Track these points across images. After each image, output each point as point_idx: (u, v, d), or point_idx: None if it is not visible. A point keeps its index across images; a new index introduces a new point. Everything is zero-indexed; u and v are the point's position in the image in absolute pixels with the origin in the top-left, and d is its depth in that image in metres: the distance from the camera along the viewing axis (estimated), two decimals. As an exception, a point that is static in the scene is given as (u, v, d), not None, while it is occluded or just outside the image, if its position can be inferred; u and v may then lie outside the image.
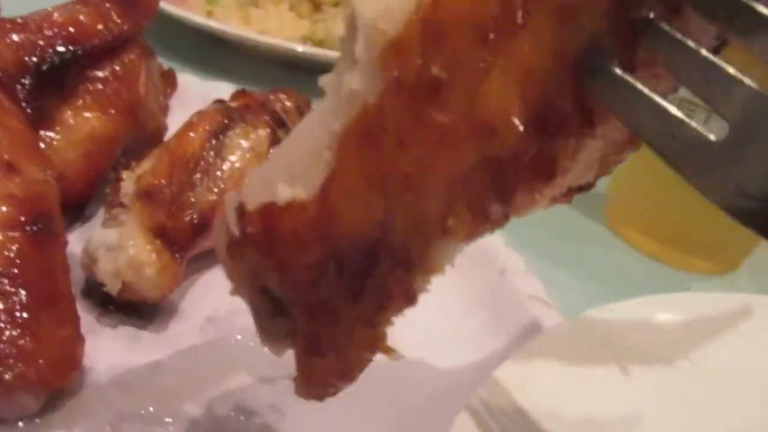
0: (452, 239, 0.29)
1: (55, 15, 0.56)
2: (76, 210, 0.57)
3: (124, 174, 0.53)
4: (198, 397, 0.45)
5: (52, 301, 0.42)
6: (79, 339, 0.43)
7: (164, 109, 0.69)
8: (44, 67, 0.54)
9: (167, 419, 0.43)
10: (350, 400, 0.47)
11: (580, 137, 0.29)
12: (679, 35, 0.26)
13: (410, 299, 0.33)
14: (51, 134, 0.55)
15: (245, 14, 1.03)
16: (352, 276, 0.30)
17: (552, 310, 0.53)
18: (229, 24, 0.99)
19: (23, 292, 0.41)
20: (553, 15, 0.25)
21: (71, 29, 0.56)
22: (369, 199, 0.28)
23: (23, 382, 0.39)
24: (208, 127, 0.54)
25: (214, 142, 0.53)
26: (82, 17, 0.57)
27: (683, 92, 0.65)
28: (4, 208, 0.43)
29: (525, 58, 0.26)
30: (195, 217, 0.51)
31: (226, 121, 0.55)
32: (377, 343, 0.35)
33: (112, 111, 0.58)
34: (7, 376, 0.39)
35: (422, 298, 0.56)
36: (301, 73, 0.99)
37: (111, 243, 0.48)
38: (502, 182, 0.28)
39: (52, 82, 0.55)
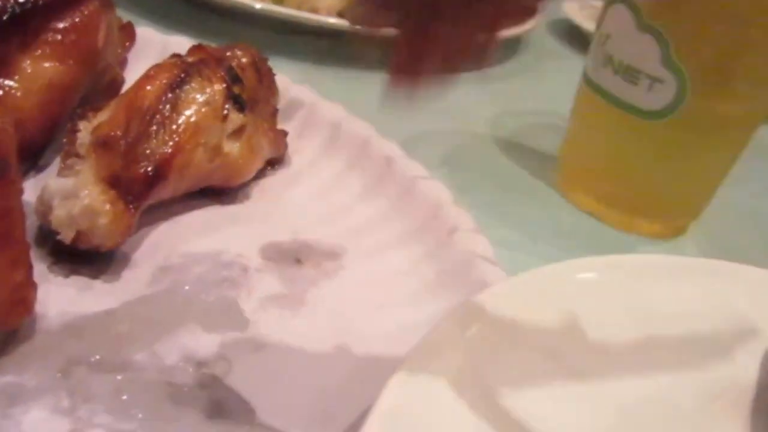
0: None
1: (15, -35, 0.56)
2: (31, 158, 0.58)
3: (81, 125, 0.53)
4: (147, 345, 0.46)
5: (7, 245, 0.43)
6: (32, 284, 0.44)
7: (122, 62, 0.70)
8: (5, 17, 0.54)
9: (118, 366, 0.44)
10: (297, 353, 0.48)
11: None
12: None
13: None
14: (9, 83, 0.55)
15: (205, -31, 1.03)
16: None
17: (498, 269, 0.55)
18: (189, -22, 0.99)
19: (-22, 236, 0.42)
20: None
21: (31, -21, 0.56)
22: None
23: (-23, 324, 0.40)
24: (164, 81, 0.54)
25: (170, 95, 0.54)
26: (41, -33, 0.57)
27: (628, 60, 0.67)
28: (-40, 155, 0.43)
29: None
30: (150, 168, 0.52)
31: (182, 75, 0.55)
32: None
33: (70, 61, 0.58)
34: (-41, 318, 0.40)
35: (370, 255, 0.58)
36: (259, 29, 0.99)
37: (66, 192, 0.49)
38: None
39: (12, 32, 0.55)
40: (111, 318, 0.47)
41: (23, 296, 0.43)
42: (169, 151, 0.53)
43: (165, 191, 0.54)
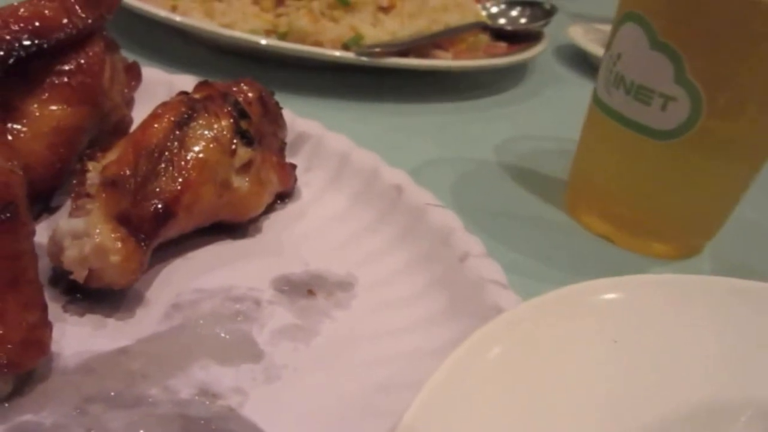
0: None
1: (21, 10, 0.57)
2: (42, 201, 0.58)
3: (90, 165, 0.54)
4: (163, 380, 0.46)
5: (20, 287, 0.43)
6: (46, 324, 0.44)
7: (129, 102, 0.70)
8: (10, 61, 0.54)
9: (133, 402, 0.44)
10: (312, 382, 0.48)
11: None
12: None
13: None
14: (17, 126, 0.56)
15: (209, 8, 1.04)
16: None
17: (511, 294, 0.54)
18: (193, 17, 1.00)
19: (-9, 279, 0.42)
20: None
21: (37, 23, 0.57)
22: None
23: (-8, 365, 0.40)
24: (171, 118, 0.55)
25: (177, 132, 0.54)
26: (47, 11, 0.58)
27: (640, 80, 0.67)
28: (-29, 198, 0.44)
29: None
30: (159, 206, 0.52)
31: (189, 112, 0.56)
32: None
33: (77, 103, 0.59)
34: (-24, 360, 0.40)
35: (382, 284, 0.58)
36: (264, 65, 1.00)
37: (77, 231, 0.49)
38: None
39: (18, 75, 0.55)
40: (125, 355, 0.47)
41: (38, 337, 0.43)
42: (178, 188, 0.53)
43: (175, 228, 0.55)
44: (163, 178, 0.53)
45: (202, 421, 0.44)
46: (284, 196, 0.67)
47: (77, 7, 0.60)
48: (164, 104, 0.57)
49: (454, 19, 1.17)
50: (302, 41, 1.00)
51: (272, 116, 0.65)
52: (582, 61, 1.38)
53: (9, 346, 0.41)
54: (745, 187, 0.73)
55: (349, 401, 0.47)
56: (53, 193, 0.59)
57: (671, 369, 0.47)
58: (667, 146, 0.68)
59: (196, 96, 0.59)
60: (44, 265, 0.51)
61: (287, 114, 0.71)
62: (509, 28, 1.27)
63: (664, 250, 0.76)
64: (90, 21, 0.60)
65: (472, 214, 0.75)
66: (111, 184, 0.51)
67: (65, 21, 0.58)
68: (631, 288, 0.51)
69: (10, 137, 0.54)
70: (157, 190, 0.52)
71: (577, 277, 0.50)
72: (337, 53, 0.98)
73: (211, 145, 0.56)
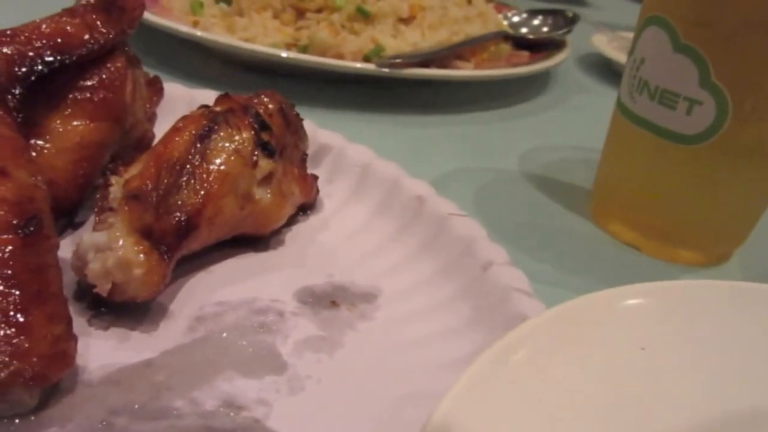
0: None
1: (43, 26, 0.57)
2: (66, 216, 0.59)
3: (113, 179, 0.54)
4: (187, 392, 0.46)
5: (45, 300, 0.43)
6: (71, 337, 0.44)
7: (151, 117, 0.71)
8: (33, 77, 0.55)
9: (158, 414, 0.44)
10: (336, 393, 0.48)
11: None
12: None
13: None
14: (41, 142, 0.56)
15: (230, 23, 1.05)
16: None
17: (536, 302, 0.54)
18: (214, 32, 1.01)
19: (17, 292, 0.42)
20: None
21: (59, 40, 0.57)
22: None
23: (18, 379, 0.40)
24: (193, 131, 0.55)
25: (199, 145, 0.55)
26: (69, 28, 0.58)
27: (664, 84, 0.66)
28: (-4, 212, 0.44)
29: None
30: (182, 218, 0.52)
31: (210, 125, 0.56)
32: None
33: (100, 119, 0.59)
34: (2, 374, 0.40)
35: (405, 294, 0.58)
36: (286, 79, 1.00)
37: (100, 245, 0.49)
38: None
39: (41, 91, 0.56)
40: (150, 368, 0.47)
41: (63, 349, 0.43)
42: (200, 200, 0.53)
43: (198, 240, 0.55)
44: (185, 191, 0.53)
45: (227, 433, 0.44)
46: (306, 207, 0.67)
47: (99, 23, 0.60)
48: (185, 117, 0.57)
49: (475, 29, 1.17)
50: (323, 54, 1.00)
51: (293, 127, 0.65)
52: (606, 70, 1.37)
53: (34, 359, 0.41)
54: (775, 191, 0.72)
55: (373, 412, 0.47)
56: (77, 208, 0.59)
57: (701, 376, 0.46)
58: (693, 151, 0.67)
59: (217, 109, 0.59)
60: (69, 280, 0.51)
61: (309, 126, 0.71)
62: (531, 36, 1.27)
63: (692, 258, 0.75)
64: (111, 36, 0.61)
65: (495, 224, 0.74)
66: (133, 197, 0.51)
67: (87, 37, 0.59)
68: (658, 294, 0.50)
69: (33, 153, 0.55)
70: (179, 203, 0.52)
71: (603, 286, 0.50)
72: (358, 65, 0.98)
73: (233, 158, 0.56)
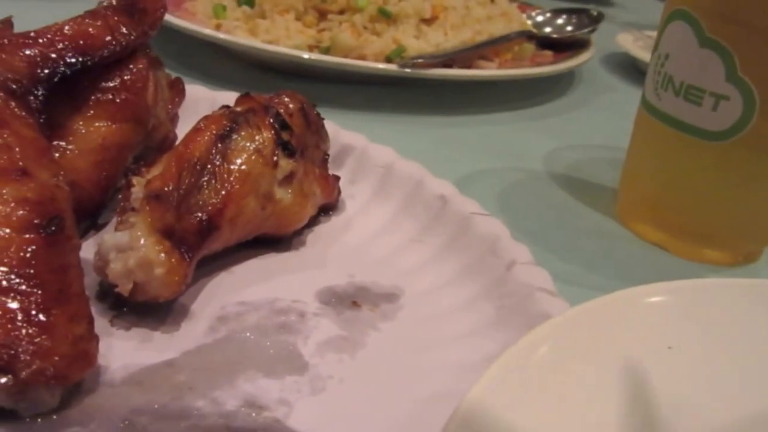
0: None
1: (66, 28, 0.58)
2: (89, 218, 0.59)
3: (135, 180, 0.54)
4: (209, 392, 0.46)
5: (67, 300, 0.43)
6: (93, 337, 0.44)
7: (173, 118, 0.71)
8: (56, 79, 0.55)
9: (179, 414, 0.44)
10: (358, 393, 0.48)
11: None
12: None
13: None
14: (63, 144, 0.56)
15: (252, 25, 1.05)
16: None
17: (561, 301, 0.54)
18: (237, 35, 1.01)
19: (38, 292, 0.42)
20: None
21: (81, 41, 0.58)
22: None
23: (40, 378, 0.41)
24: (214, 132, 0.55)
25: (220, 145, 0.55)
26: (91, 29, 0.59)
27: (689, 80, 0.65)
28: (19, 211, 0.45)
29: None
30: (203, 218, 0.52)
31: (231, 125, 0.56)
32: None
33: (122, 120, 0.59)
34: (24, 373, 0.40)
35: (428, 294, 0.58)
36: (308, 81, 1.00)
37: (122, 245, 0.50)
38: None
39: (64, 92, 0.56)
40: (172, 368, 0.47)
41: (85, 349, 0.43)
42: (221, 201, 0.53)
43: (219, 241, 0.55)
44: (206, 191, 0.53)
45: (248, 433, 0.43)
46: (328, 208, 0.67)
47: (121, 25, 0.60)
48: (206, 118, 0.57)
49: (498, 28, 1.17)
50: (345, 55, 1.00)
51: (314, 128, 0.65)
52: (631, 69, 1.36)
53: (56, 358, 0.41)
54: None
55: (394, 413, 0.47)
56: (100, 209, 0.60)
57: (729, 375, 0.45)
58: (720, 147, 0.66)
59: (238, 109, 0.59)
60: (91, 281, 0.51)
61: (331, 127, 0.71)
62: (555, 36, 1.27)
63: (720, 257, 0.74)
64: (133, 38, 0.61)
65: (519, 224, 0.74)
66: (155, 197, 0.51)
67: (109, 38, 0.59)
68: (684, 292, 0.49)
69: (56, 154, 0.55)
70: (201, 203, 0.52)
71: (628, 286, 0.49)
72: (381, 66, 0.98)
73: (254, 157, 0.56)
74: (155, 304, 0.50)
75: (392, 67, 0.97)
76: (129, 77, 0.60)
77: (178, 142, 0.57)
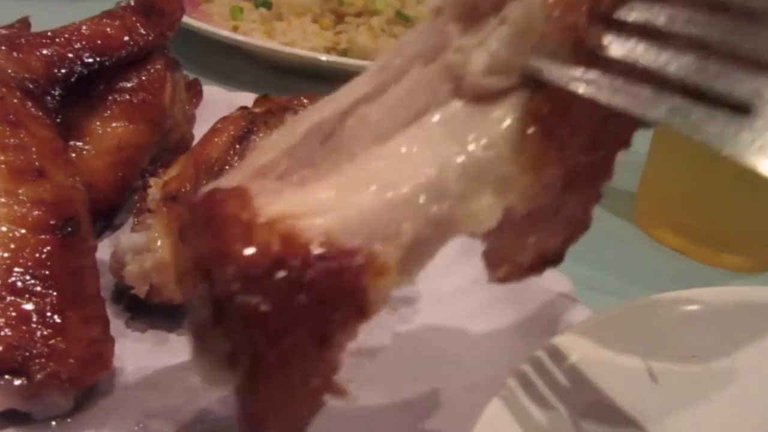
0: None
1: (83, 28, 0.58)
2: (105, 218, 0.59)
3: (152, 181, 0.54)
4: (223, 395, 0.45)
5: (82, 302, 0.43)
6: (108, 339, 0.44)
7: (190, 119, 0.71)
8: (73, 79, 0.55)
9: (194, 417, 0.43)
10: (377, 397, 0.47)
11: None
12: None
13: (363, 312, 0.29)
14: (80, 144, 0.56)
15: (269, 27, 1.04)
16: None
17: (582, 307, 0.53)
18: (254, 37, 1.01)
19: (54, 294, 0.42)
20: None
21: (98, 41, 0.57)
22: None
23: (54, 381, 0.40)
24: (232, 132, 0.55)
25: (237, 146, 0.54)
26: (108, 30, 0.58)
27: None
28: (35, 213, 0.44)
29: None
30: (220, 220, 0.51)
31: (249, 126, 0.55)
32: (331, 373, 0.32)
33: (139, 121, 0.59)
34: (39, 375, 0.40)
35: (446, 298, 0.57)
36: (324, 83, 1.00)
37: (138, 246, 0.49)
38: None
39: (81, 92, 0.56)
40: (186, 371, 0.47)
41: (100, 351, 0.43)
42: (239, 202, 0.53)
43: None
44: (224, 193, 0.52)
45: (266, 436, 0.43)
46: (346, 211, 0.66)
47: (138, 26, 0.60)
48: (224, 119, 0.57)
49: (515, 32, 1.16)
50: (363, 57, 0.99)
51: (333, 130, 0.64)
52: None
53: (71, 361, 0.41)
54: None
55: (413, 415, 0.46)
56: (116, 210, 0.59)
57: (753, 382, 0.45)
58: (742, 151, 0.65)
59: (256, 110, 0.59)
60: (107, 282, 0.51)
61: (348, 129, 0.70)
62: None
63: (741, 263, 0.73)
64: (151, 39, 0.60)
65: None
66: (171, 199, 0.51)
67: (126, 39, 0.59)
68: (708, 300, 0.48)
69: (72, 155, 0.55)
70: (218, 204, 0.52)
71: (647, 291, 0.48)
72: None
73: (271, 159, 0.55)
74: (171, 306, 0.50)
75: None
76: (146, 78, 0.60)
77: (195, 143, 0.57)
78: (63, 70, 0.55)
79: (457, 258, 0.61)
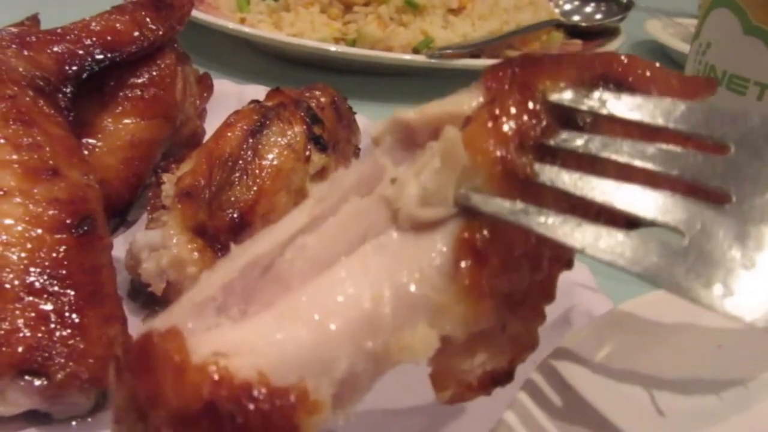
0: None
1: (93, 24, 0.57)
2: (119, 215, 0.58)
3: (165, 177, 0.53)
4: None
5: (100, 301, 0.43)
6: (127, 338, 0.43)
7: (201, 113, 0.70)
8: (84, 75, 0.55)
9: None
10: (396, 393, 0.47)
11: None
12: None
13: None
14: (92, 141, 0.56)
15: (276, 19, 1.04)
16: None
17: (603, 297, 0.52)
18: (262, 28, 1.00)
19: (71, 293, 0.42)
20: None
21: (108, 37, 0.57)
22: None
23: (74, 381, 0.40)
24: (245, 127, 0.54)
25: (251, 140, 0.54)
26: (118, 25, 0.58)
27: (733, 69, 0.63)
28: (50, 212, 0.44)
29: None
30: (235, 215, 0.51)
31: (262, 120, 0.55)
32: None
33: (150, 116, 0.59)
34: (59, 375, 0.40)
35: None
36: (334, 74, 0.99)
37: (154, 244, 0.49)
38: None
39: (92, 89, 0.56)
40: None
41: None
42: (253, 196, 0.52)
43: (251, 237, 0.54)
44: (238, 188, 0.52)
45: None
46: (360, 202, 0.66)
47: (148, 20, 0.60)
48: (237, 113, 0.56)
49: (526, 18, 1.15)
50: (372, 47, 0.99)
51: (345, 121, 0.64)
52: (661, 57, 1.34)
53: (90, 360, 0.41)
54: None
55: (428, 416, 0.46)
56: (130, 206, 0.59)
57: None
58: (766, 139, 0.65)
59: (268, 104, 0.58)
60: (123, 279, 0.50)
61: (361, 119, 0.70)
62: (584, 24, 1.25)
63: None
64: (161, 33, 0.60)
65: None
66: (186, 195, 0.50)
67: (137, 34, 0.58)
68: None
69: (85, 152, 0.54)
70: (232, 199, 0.52)
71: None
72: (408, 57, 0.97)
73: (285, 153, 0.55)
74: (188, 302, 0.50)
75: (420, 58, 0.96)
76: (157, 73, 0.59)
77: (208, 138, 0.56)
78: (74, 67, 0.54)
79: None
